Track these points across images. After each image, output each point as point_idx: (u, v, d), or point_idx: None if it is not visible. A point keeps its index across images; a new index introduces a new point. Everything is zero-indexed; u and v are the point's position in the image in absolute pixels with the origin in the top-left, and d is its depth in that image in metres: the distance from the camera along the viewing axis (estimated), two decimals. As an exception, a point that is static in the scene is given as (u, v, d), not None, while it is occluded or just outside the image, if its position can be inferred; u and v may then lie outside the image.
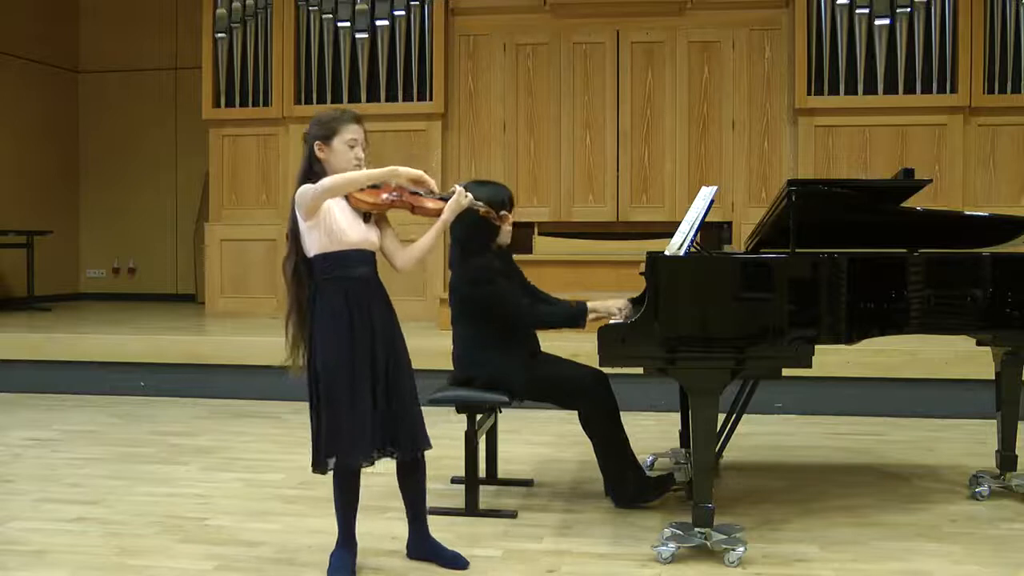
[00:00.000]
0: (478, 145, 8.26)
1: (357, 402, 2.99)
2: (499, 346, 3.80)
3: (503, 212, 3.44)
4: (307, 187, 2.99)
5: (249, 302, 8.44)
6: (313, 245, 3.04)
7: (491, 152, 8.23)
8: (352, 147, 3.06)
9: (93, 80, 10.75)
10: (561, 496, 4.06)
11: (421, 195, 3.12)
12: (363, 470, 3.08)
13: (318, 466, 3.06)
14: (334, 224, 3.01)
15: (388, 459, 3.11)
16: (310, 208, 2.99)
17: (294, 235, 3.09)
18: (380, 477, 3.15)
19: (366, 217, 3.11)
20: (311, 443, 3.08)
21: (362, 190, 3.03)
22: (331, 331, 3.02)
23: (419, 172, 3.04)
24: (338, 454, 3.02)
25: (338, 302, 3.02)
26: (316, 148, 3.08)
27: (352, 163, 3.06)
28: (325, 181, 2.96)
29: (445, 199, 3.15)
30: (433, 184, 3.09)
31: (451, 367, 3.92)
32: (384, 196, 3.05)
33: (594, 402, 3.83)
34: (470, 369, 3.82)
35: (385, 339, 3.07)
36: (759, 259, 3.50)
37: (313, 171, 3.06)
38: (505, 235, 3.82)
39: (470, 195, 3.20)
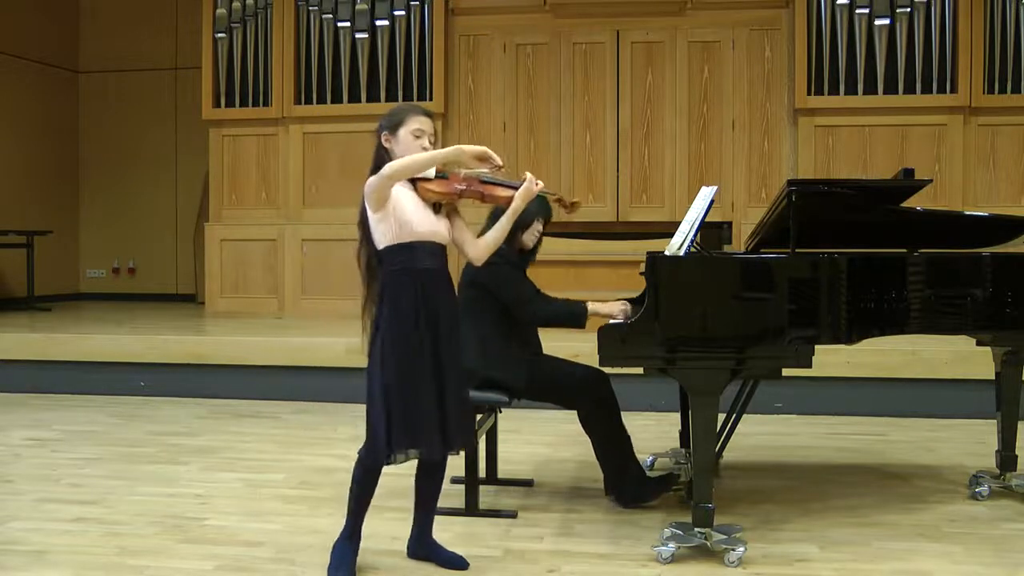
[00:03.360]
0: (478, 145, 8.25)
1: (420, 397, 2.96)
2: (501, 342, 3.80)
3: (574, 200, 3.38)
4: (372, 178, 2.96)
5: (249, 302, 8.45)
6: (382, 237, 3.00)
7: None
8: (418, 137, 3.02)
9: (93, 80, 10.75)
10: (561, 496, 4.06)
11: (491, 183, 3.09)
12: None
13: (375, 454, 3.00)
14: (403, 215, 2.98)
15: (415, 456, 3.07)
16: (377, 199, 2.96)
17: (364, 226, 3.06)
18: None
19: (436, 208, 3.07)
20: (367, 432, 3.02)
21: (430, 180, 3.00)
22: (397, 325, 2.98)
23: (483, 148, 2.99)
24: (386, 445, 2.96)
25: (406, 296, 2.98)
26: (383, 139, 3.06)
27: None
28: (387, 167, 2.92)
29: (515, 187, 3.11)
30: (498, 159, 3.03)
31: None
32: (453, 186, 3.03)
33: (594, 401, 3.84)
34: (471, 363, 3.80)
35: (448, 335, 3.04)
36: (759, 259, 3.49)
37: (382, 162, 3.02)
38: (531, 236, 3.85)
39: (541, 183, 3.16)
